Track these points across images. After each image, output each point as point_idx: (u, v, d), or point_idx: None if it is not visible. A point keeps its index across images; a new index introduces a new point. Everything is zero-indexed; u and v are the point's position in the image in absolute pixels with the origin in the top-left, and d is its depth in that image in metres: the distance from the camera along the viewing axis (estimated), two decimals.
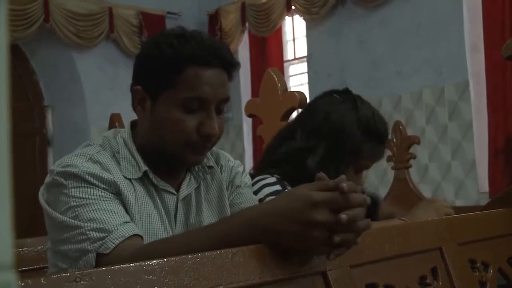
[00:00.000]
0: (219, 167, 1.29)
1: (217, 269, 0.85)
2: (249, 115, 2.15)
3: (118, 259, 0.95)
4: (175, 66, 1.10)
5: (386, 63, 5.14)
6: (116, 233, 1.00)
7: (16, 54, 5.86)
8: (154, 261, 0.79)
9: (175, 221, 1.17)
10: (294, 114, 1.98)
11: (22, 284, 0.68)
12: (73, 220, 1.02)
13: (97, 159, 1.10)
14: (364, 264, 1.09)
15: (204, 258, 0.84)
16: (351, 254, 1.07)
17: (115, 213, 1.04)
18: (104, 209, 1.03)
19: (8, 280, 0.31)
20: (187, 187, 1.21)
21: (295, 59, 6.33)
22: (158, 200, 1.16)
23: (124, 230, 1.01)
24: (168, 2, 6.44)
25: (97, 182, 1.06)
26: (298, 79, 6.30)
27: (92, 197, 1.04)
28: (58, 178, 1.06)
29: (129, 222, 1.05)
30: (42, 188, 1.11)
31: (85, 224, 1.01)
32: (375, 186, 5.14)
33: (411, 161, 3.09)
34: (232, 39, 6.36)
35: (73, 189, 1.04)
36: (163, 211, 1.16)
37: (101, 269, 0.75)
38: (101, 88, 5.84)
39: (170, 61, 1.10)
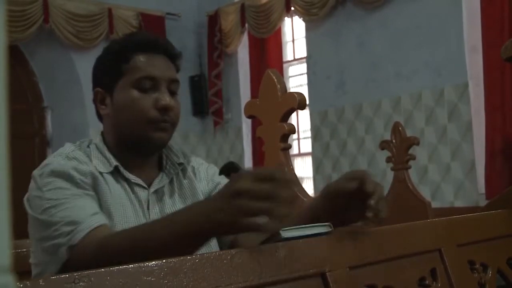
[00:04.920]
0: (190, 168, 1.35)
1: (216, 270, 0.85)
2: (249, 116, 2.15)
3: (84, 249, 1.05)
4: (123, 56, 1.23)
5: (386, 64, 5.14)
6: (83, 224, 1.07)
7: (16, 55, 5.86)
8: (153, 262, 0.79)
9: (149, 213, 1.23)
10: (294, 115, 1.98)
11: (21, 285, 0.68)
12: (49, 219, 1.10)
13: (72, 156, 1.19)
14: (364, 266, 1.09)
15: (203, 259, 0.84)
16: (351, 255, 1.07)
17: (84, 208, 1.11)
18: (74, 206, 1.10)
19: (6, 282, 0.31)
20: (159, 182, 1.27)
21: (294, 60, 6.34)
22: (130, 193, 1.22)
23: (91, 221, 1.08)
24: (167, 3, 6.44)
25: (75, 173, 1.14)
26: (297, 80, 6.30)
27: (63, 197, 1.11)
28: (34, 181, 1.15)
29: (97, 213, 1.12)
30: (27, 197, 1.18)
31: (58, 221, 1.09)
32: None
33: (411, 162, 3.09)
34: (232, 40, 6.37)
35: (46, 192, 1.12)
36: (136, 203, 1.22)
37: (100, 270, 0.75)
38: None
39: (119, 53, 1.24)
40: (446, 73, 4.78)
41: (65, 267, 1.09)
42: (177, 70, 1.30)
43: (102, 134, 1.29)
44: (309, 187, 5.71)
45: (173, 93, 1.25)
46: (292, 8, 5.79)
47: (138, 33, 1.36)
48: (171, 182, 1.30)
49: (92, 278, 0.73)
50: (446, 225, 1.34)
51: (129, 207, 1.21)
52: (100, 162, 1.22)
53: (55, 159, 1.18)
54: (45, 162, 1.18)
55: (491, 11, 4.53)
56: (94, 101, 1.29)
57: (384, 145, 3.16)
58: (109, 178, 1.21)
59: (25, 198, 1.17)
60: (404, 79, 5.03)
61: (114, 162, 1.22)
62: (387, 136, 3.28)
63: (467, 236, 1.38)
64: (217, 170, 1.40)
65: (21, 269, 1.45)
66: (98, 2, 5.92)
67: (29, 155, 5.92)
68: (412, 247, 1.22)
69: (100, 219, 1.10)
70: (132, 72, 1.22)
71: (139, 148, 1.25)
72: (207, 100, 6.57)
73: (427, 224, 1.37)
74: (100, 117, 1.30)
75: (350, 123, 5.42)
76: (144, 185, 1.25)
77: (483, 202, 4.12)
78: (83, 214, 1.09)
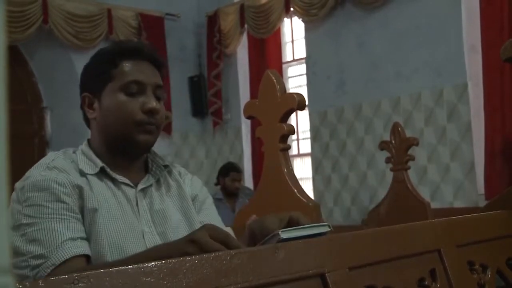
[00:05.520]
0: (177, 171, 1.41)
1: (215, 271, 0.85)
2: (248, 117, 2.15)
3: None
4: (111, 62, 1.28)
5: (385, 65, 5.14)
6: (52, 259, 1.09)
7: (15, 55, 5.86)
8: (153, 263, 0.79)
9: (138, 209, 1.27)
10: (293, 116, 1.98)
11: (20, 286, 0.68)
12: (18, 245, 1.11)
13: (52, 166, 1.21)
14: (363, 266, 1.09)
15: (202, 260, 0.84)
16: (350, 256, 1.07)
17: (58, 232, 1.12)
18: (48, 228, 1.12)
19: (6, 283, 0.31)
20: (145, 182, 1.31)
21: (294, 60, 6.34)
22: (117, 192, 1.26)
23: (60, 254, 1.10)
24: (167, 3, 6.44)
25: (55, 185, 1.16)
26: (297, 81, 6.30)
27: (40, 215, 1.13)
28: (16, 194, 1.17)
29: (73, 239, 1.14)
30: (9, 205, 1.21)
31: (27, 250, 1.10)
32: (374, 187, 5.15)
33: (410, 163, 3.10)
34: (231, 40, 6.37)
35: (25, 207, 1.14)
36: (123, 200, 1.25)
37: (99, 271, 0.75)
38: None
39: (106, 59, 1.29)
40: (446, 74, 4.78)
41: None
42: (162, 77, 1.35)
43: (88, 140, 1.34)
44: (308, 188, 5.71)
45: (158, 99, 1.30)
46: (292, 9, 5.79)
47: (125, 40, 1.43)
48: (157, 182, 1.34)
49: (92, 279, 0.73)
50: (445, 225, 1.34)
51: (114, 203, 1.23)
52: (86, 165, 1.25)
53: (35, 171, 1.20)
54: (26, 174, 1.20)
55: (490, 11, 4.53)
56: (82, 106, 1.33)
57: (383, 145, 3.16)
58: (94, 179, 1.24)
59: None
60: (404, 80, 5.03)
61: (100, 163, 1.26)
62: (387, 137, 3.29)
63: (467, 236, 1.38)
64: (200, 183, 1.45)
65: None
66: (97, 3, 5.92)
67: (28, 155, 5.91)
68: (412, 248, 1.22)
69: (73, 249, 1.12)
70: (120, 76, 1.27)
71: (126, 150, 1.29)
72: (207, 101, 6.57)
73: (426, 225, 1.37)
74: (87, 121, 1.35)
75: (349, 124, 5.42)
76: (131, 184, 1.28)
77: (482, 203, 4.12)
78: (56, 242, 1.11)
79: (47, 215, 1.13)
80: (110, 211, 1.21)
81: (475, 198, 4.60)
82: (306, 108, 5.46)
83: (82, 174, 1.24)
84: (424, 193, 4.44)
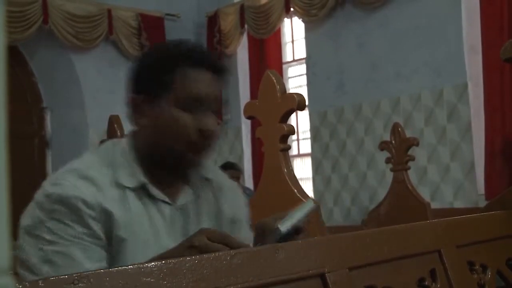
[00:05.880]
0: (218, 187, 1.31)
1: (215, 271, 0.85)
2: (248, 117, 2.15)
3: None
4: (174, 68, 1.15)
5: (385, 65, 5.14)
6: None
7: (15, 55, 5.86)
8: (153, 263, 0.79)
9: (174, 230, 1.19)
10: (293, 116, 1.98)
11: (20, 286, 0.68)
12: (34, 261, 1.06)
13: (87, 175, 1.12)
14: (363, 266, 1.09)
15: (202, 260, 0.84)
16: (350, 256, 1.07)
17: (76, 260, 1.07)
18: (68, 254, 1.07)
19: (6, 283, 0.31)
20: (184, 197, 1.22)
21: (294, 61, 6.34)
22: (152, 210, 1.17)
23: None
24: (167, 4, 6.44)
25: (83, 207, 1.08)
26: (297, 81, 6.30)
27: (62, 235, 1.07)
28: (42, 196, 1.10)
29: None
30: (32, 202, 1.13)
31: (40, 271, 1.05)
32: (374, 187, 5.15)
33: (410, 163, 3.10)
34: (231, 41, 6.37)
35: (49, 220, 1.08)
36: (160, 221, 1.17)
37: (99, 271, 0.75)
38: (100, 90, 5.84)
39: (170, 64, 1.16)
40: (446, 74, 4.78)
41: None
42: (222, 84, 1.24)
43: (132, 141, 1.21)
44: (308, 188, 5.71)
45: (214, 112, 1.20)
46: (292, 9, 5.79)
47: (186, 43, 1.23)
48: (197, 197, 1.25)
49: (92, 279, 0.73)
50: (445, 226, 1.34)
51: (147, 227, 1.15)
52: (126, 176, 1.15)
53: (68, 178, 1.11)
54: (57, 177, 1.12)
55: (490, 11, 4.53)
56: (130, 106, 1.20)
57: (383, 145, 3.16)
58: (131, 195, 1.15)
59: (30, 208, 1.12)
60: (404, 80, 5.03)
61: (142, 178, 1.16)
62: (387, 137, 3.29)
63: (467, 237, 1.38)
64: (242, 202, 1.36)
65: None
66: (97, 3, 5.92)
67: (28, 156, 5.92)
68: (412, 248, 1.22)
69: None
70: (181, 88, 1.15)
71: (172, 166, 1.19)
72: None
73: (426, 225, 1.37)
74: (132, 121, 1.21)
75: (349, 124, 5.42)
76: (169, 201, 1.19)
77: (482, 203, 4.12)
78: (72, 271, 1.09)
79: (70, 237, 1.07)
80: (141, 238, 1.13)
81: (475, 198, 4.60)
82: (306, 108, 5.46)
83: (119, 186, 1.14)
84: (424, 193, 4.44)
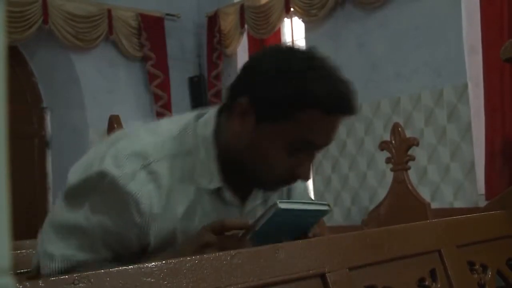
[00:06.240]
0: (286, 189, 1.24)
1: (215, 271, 0.85)
2: None
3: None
4: (299, 102, 0.99)
5: (385, 65, 5.14)
6: (64, 266, 1.04)
7: (15, 56, 5.86)
8: (153, 264, 0.79)
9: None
10: None
11: (20, 286, 0.68)
12: (61, 235, 1.06)
13: (155, 170, 1.01)
14: (363, 266, 1.09)
15: (202, 260, 0.84)
16: (351, 256, 1.07)
17: (95, 251, 1.05)
18: (93, 242, 1.05)
19: (6, 283, 0.31)
20: (253, 200, 1.15)
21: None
22: (222, 214, 1.07)
23: (72, 269, 1.03)
24: (167, 3, 6.44)
25: (134, 212, 1.00)
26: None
27: (93, 225, 1.03)
28: (98, 176, 1.01)
29: (98, 259, 1.06)
30: (85, 161, 1.07)
31: (60, 236, 1.06)
32: (374, 187, 5.15)
33: (410, 163, 3.10)
34: (231, 41, 6.37)
35: (95, 198, 1.03)
36: None
37: (99, 271, 0.75)
38: (100, 90, 5.84)
39: (296, 95, 0.99)
40: (446, 74, 4.78)
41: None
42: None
43: (215, 136, 1.07)
44: (308, 188, 5.70)
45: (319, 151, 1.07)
46: (292, 9, 5.79)
47: (329, 75, 1.06)
48: (265, 200, 1.17)
49: (92, 279, 0.73)
50: (445, 226, 1.34)
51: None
52: (204, 174, 1.05)
53: (132, 165, 1.00)
54: (121, 155, 1.01)
55: (490, 11, 4.53)
56: (235, 107, 1.04)
57: (383, 145, 3.16)
58: (205, 198, 1.06)
59: (78, 168, 1.07)
60: (404, 80, 5.03)
61: (218, 183, 1.06)
62: (387, 137, 3.29)
63: (467, 237, 1.38)
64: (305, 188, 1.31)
65: (22, 270, 1.45)
66: (97, 3, 5.92)
67: (28, 156, 5.92)
68: (412, 248, 1.22)
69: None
70: (297, 126, 0.99)
71: (247, 181, 1.09)
72: (207, 101, 6.56)
73: (426, 225, 1.37)
74: (226, 117, 1.07)
75: (349, 124, 5.42)
76: (239, 204, 1.12)
77: (482, 203, 4.12)
78: (84, 257, 1.06)
79: (105, 228, 1.03)
80: None
81: (475, 198, 4.60)
82: None
83: (193, 183, 1.04)
84: (424, 193, 4.43)
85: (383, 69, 5.16)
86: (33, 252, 1.51)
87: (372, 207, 3.79)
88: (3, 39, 0.33)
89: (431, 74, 4.86)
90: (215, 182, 1.06)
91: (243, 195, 1.13)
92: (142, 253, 1.06)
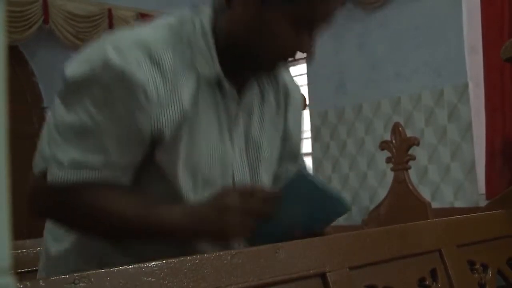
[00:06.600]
0: (283, 87, 1.22)
1: (216, 270, 0.85)
2: None
3: (57, 196, 1.01)
4: None
5: (385, 65, 5.14)
6: (75, 174, 0.98)
7: (15, 55, 5.86)
8: (153, 263, 0.79)
9: (237, 131, 1.10)
10: None
11: (21, 286, 0.68)
12: (67, 138, 0.99)
13: (158, 58, 0.99)
14: (364, 266, 1.09)
15: (203, 260, 0.84)
16: (351, 256, 1.07)
17: (105, 150, 0.99)
18: (101, 141, 0.98)
19: (6, 283, 0.31)
20: (250, 95, 1.13)
21: (294, 60, 6.33)
22: (221, 107, 1.07)
23: (84, 177, 0.98)
24: (167, 3, 6.43)
25: (137, 90, 0.96)
26: (297, 81, 6.28)
27: (99, 123, 0.97)
28: (101, 65, 0.98)
29: (111, 164, 0.99)
30: (85, 53, 1.03)
31: (67, 139, 0.99)
32: (374, 187, 5.15)
33: (410, 163, 3.10)
34: None
35: (100, 90, 0.97)
36: (225, 120, 1.08)
37: (100, 271, 0.75)
38: None
39: None
40: (446, 74, 4.78)
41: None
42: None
43: (214, 21, 1.06)
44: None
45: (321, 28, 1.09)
46: None
47: None
48: (262, 99, 1.15)
49: (92, 279, 0.73)
50: (446, 225, 1.34)
51: (214, 124, 1.06)
52: (203, 61, 1.04)
53: (135, 53, 0.97)
54: (121, 42, 0.98)
55: (491, 11, 4.53)
56: None
57: (384, 145, 3.16)
58: (205, 88, 1.04)
59: (72, 63, 1.05)
60: (404, 80, 5.03)
61: (218, 69, 1.04)
62: (387, 137, 3.28)
63: (467, 236, 1.38)
64: (302, 116, 1.29)
65: (22, 270, 1.45)
66: (98, 3, 5.92)
67: (28, 156, 5.91)
68: (412, 248, 1.22)
69: (104, 176, 0.99)
70: (302, 6, 1.00)
71: (249, 64, 1.08)
72: None
73: (427, 225, 1.37)
74: (227, 2, 1.05)
75: (350, 124, 5.42)
76: (236, 95, 1.09)
77: (483, 203, 4.12)
78: (99, 159, 0.98)
79: (112, 122, 0.97)
80: (203, 134, 1.04)
81: (475, 198, 4.60)
82: (307, 108, 5.46)
83: (195, 71, 1.02)
84: (425, 193, 4.43)
85: (383, 69, 5.16)
86: (34, 252, 1.51)
87: (372, 207, 3.79)
88: (3, 39, 0.33)
89: (431, 74, 4.86)
90: (215, 69, 1.05)
91: (239, 89, 1.11)
92: (153, 164, 1.02)
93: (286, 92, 1.22)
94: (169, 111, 1.00)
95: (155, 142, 1.01)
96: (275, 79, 1.19)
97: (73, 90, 1.03)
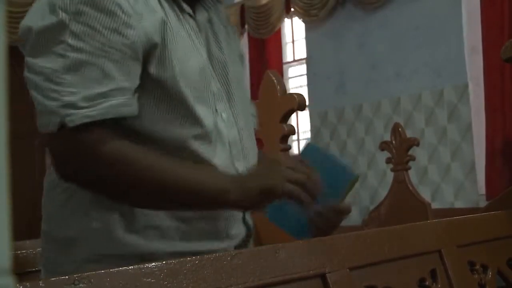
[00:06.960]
0: (223, 13, 1.22)
1: (216, 271, 0.85)
2: None
3: (95, 146, 0.92)
4: None
5: (385, 65, 5.14)
6: (91, 110, 0.91)
7: (15, 55, 5.85)
8: (153, 264, 0.79)
9: (200, 46, 1.08)
10: (293, 116, 1.98)
11: (20, 287, 0.68)
12: (55, 65, 0.92)
13: None
14: (364, 267, 1.09)
15: (203, 260, 0.84)
16: (351, 256, 1.07)
17: (107, 75, 0.93)
18: (98, 65, 0.92)
19: (6, 284, 0.31)
20: (201, 14, 1.11)
21: (294, 61, 6.34)
22: (185, 23, 1.06)
23: (102, 108, 0.91)
24: None
25: (117, 10, 0.93)
26: (297, 81, 6.30)
27: (93, 44, 0.92)
28: (63, 9, 0.92)
29: (121, 90, 0.94)
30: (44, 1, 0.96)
31: (64, 79, 0.91)
32: (374, 187, 5.15)
33: (411, 163, 3.10)
34: None
35: (74, 24, 0.92)
36: (192, 34, 1.07)
37: (100, 272, 0.75)
38: None
39: None
40: (446, 74, 4.78)
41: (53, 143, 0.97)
42: None
43: None
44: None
45: None
46: (292, 9, 5.79)
47: None
48: (210, 20, 1.14)
49: (92, 280, 0.73)
50: (446, 226, 1.34)
51: (187, 40, 1.04)
52: None
53: None
54: None
55: (491, 11, 4.53)
56: None
57: (384, 146, 3.16)
58: (167, 5, 1.02)
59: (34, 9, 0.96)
60: (404, 80, 5.03)
61: None
62: (387, 137, 3.28)
63: (467, 237, 1.38)
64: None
65: (22, 271, 1.45)
66: None
67: (28, 156, 5.92)
68: (412, 248, 1.22)
69: (119, 107, 0.93)
70: None
71: None
72: None
73: (427, 225, 1.37)
74: None
75: (350, 124, 5.42)
76: (193, 14, 1.08)
77: (483, 203, 4.12)
78: (104, 86, 0.92)
79: (100, 46, 0.92)
80: (183, 47, 1.02)
81: (475, 199, 4.60)
82: (307, 108, 5.46)
83: None
84: (425, 193, 4.44)
85: (383, 69, 5.16)
86: (34, 252, 1.51)
87: (372, 207, 3.79)
88: (3, 39, 0.33)
89: (432, 74, 4.86)
90: None
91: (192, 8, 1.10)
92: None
93: (228, 18, 1.23)
94: (150, 17, 0.97)
95: (148, 55, 0.97)
96: (215, 3, 1.16)
97: (48, 38, 0.94)
